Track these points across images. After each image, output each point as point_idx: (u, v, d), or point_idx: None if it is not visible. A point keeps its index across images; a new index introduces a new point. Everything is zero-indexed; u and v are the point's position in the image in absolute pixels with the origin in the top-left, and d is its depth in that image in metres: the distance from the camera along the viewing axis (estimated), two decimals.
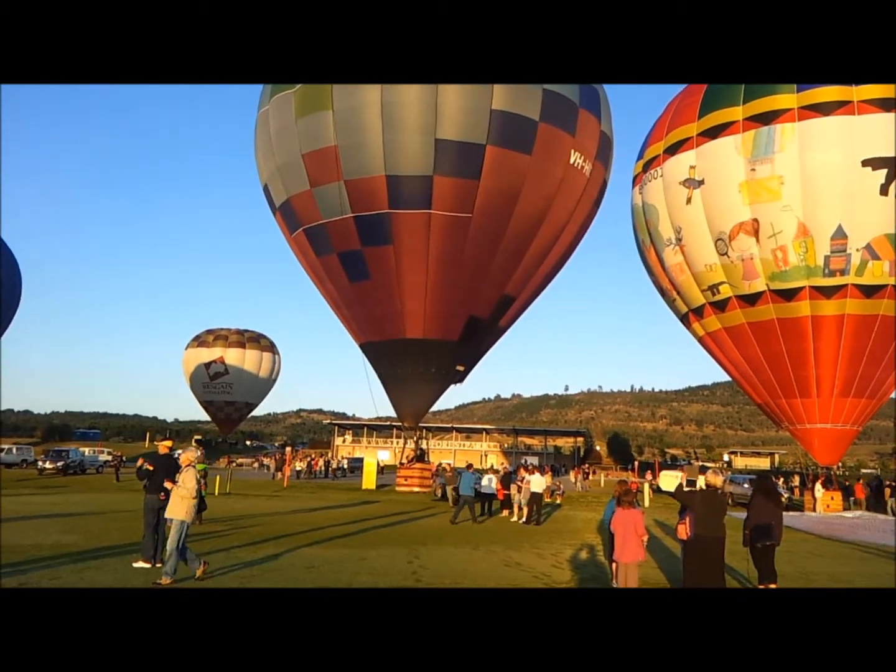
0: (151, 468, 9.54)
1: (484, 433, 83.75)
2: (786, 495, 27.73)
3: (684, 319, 27.94)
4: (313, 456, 53.82)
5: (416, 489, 29.22)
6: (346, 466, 51.56)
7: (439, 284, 24.84)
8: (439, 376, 27.55)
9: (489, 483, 19.68)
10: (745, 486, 28.08)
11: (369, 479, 32.30)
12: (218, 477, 25.25)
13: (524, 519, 18.58)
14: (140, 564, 9.07)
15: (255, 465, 59.40)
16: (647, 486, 30.22)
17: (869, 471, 78.82)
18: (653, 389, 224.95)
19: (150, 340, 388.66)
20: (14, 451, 42.81)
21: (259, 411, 76.07)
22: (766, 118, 22.91)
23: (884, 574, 11.14)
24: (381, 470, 41.10)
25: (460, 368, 28.03)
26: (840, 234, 22.42)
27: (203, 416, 67.47)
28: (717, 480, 8.45)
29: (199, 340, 60.65)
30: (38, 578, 8.17)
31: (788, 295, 23.45)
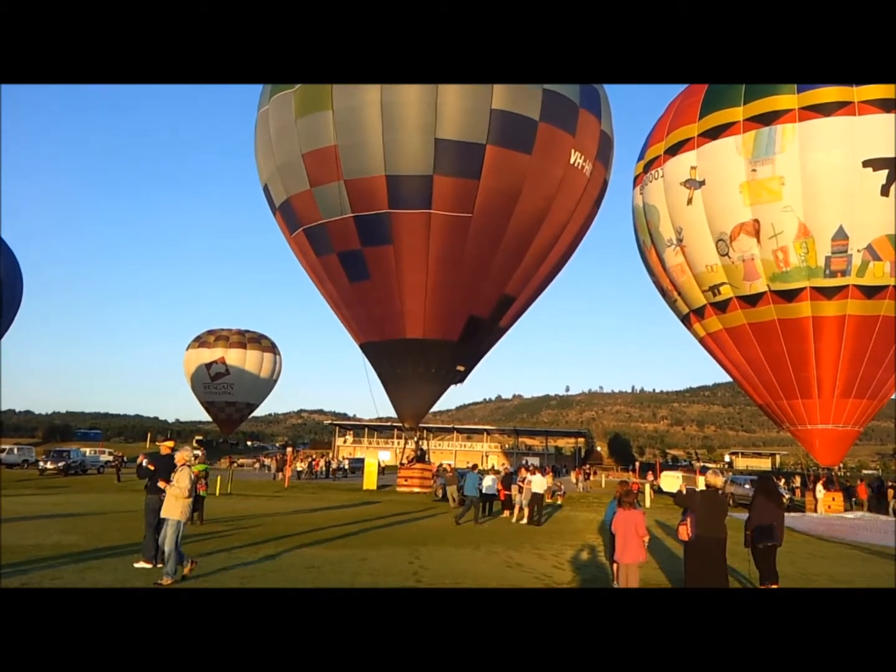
0: (153, 468, 9.54)
1: (485, 434, 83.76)
2: (787, 496, 27.68)
3: (685, 320, 27.93)
4: (314, 456, 53.82)
5: (417, 490, 29.21)
6: (346, 467, 51.58)
7: (439, 284, 24.84)
8: (439, 376, 27.54)
9: (492, 483, 19.70)
10: (747, 486, 28.06)
11: (370, 480, 32.32)
12: (219, 477, 25.25)
13: (525, 519, 18.60)
14: (141, 565, 9.07)
15: (256, 465, 59.42)
16: (648, 486, 30.20)
17: (870, 472, 78.76)
18: (654, 390, 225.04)
19: (150, 341, 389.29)
20: (15, 451, 42.86)
21: (260, 412, 76.11)
22: (767, 119, 22.90)
23: (884, 574, 11.12)
24: (382, 470, 41.14)
25: (460, 368, 28.01)
26: (841, 235, 22.40)
27: (204, 416, 67.50)
28: (717, 481, 8.46)
29: (201, 341, 60.67)
30: (39, 578, 8.17)
31: (789, 296, 23.44)
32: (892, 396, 26.41)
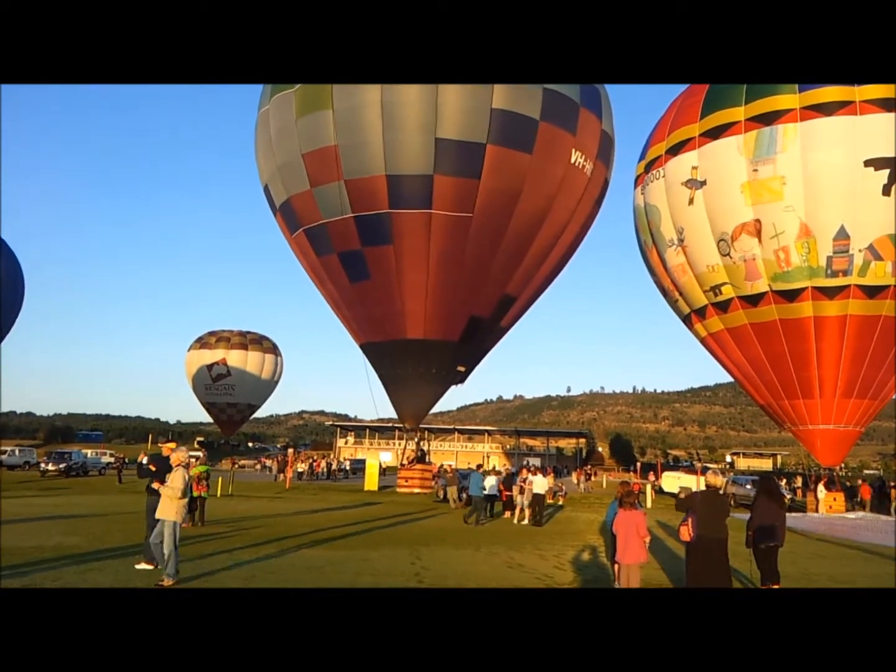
0: (154, 468, 9.54)
1: (486, 434, 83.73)
2: (788, 496, 27.65)
3: (686, 320, 27.91)
4: (315, 458, 53.83)
5: (417, 490, 29.21)
6: (347, 468, 51.59)
7: (440, 284, 24.81)
8: (440, 377, 27.51)
9: (494, 484, 19.72)
10: (748, 487, 28.03)
11: (371, 481, 32.33)
12: (220, 478, 25.26)
13: (526, 520, 18.61)
14: (142, 566, 9.08)
15: (257, 466, 59.45)
16: (649, 487, 30.17)
17: (871, 472, 78.64)
18: (655, 390, 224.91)
19: (151, 342, 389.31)
20: (17, 452, 42.95)
21: (261, 413, 76.11)
22: (768, 118, 22.89)
23: (885, 575, 11.10)
24: (384, 471, 41.15)
25: (461, 369, 27.98)
26: (842, 235, 22.38)
27: (205, 417, 67.54)
28: (717, 480, 8.44)
29: (202, 342, 60.71)
30: (40, 580, 8.18)
31: (791, 296, 23.42)
32: (894, 396, 26.38)
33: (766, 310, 24.01)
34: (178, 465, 8.60)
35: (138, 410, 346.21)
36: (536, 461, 64.57)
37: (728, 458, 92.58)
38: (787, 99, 22.64)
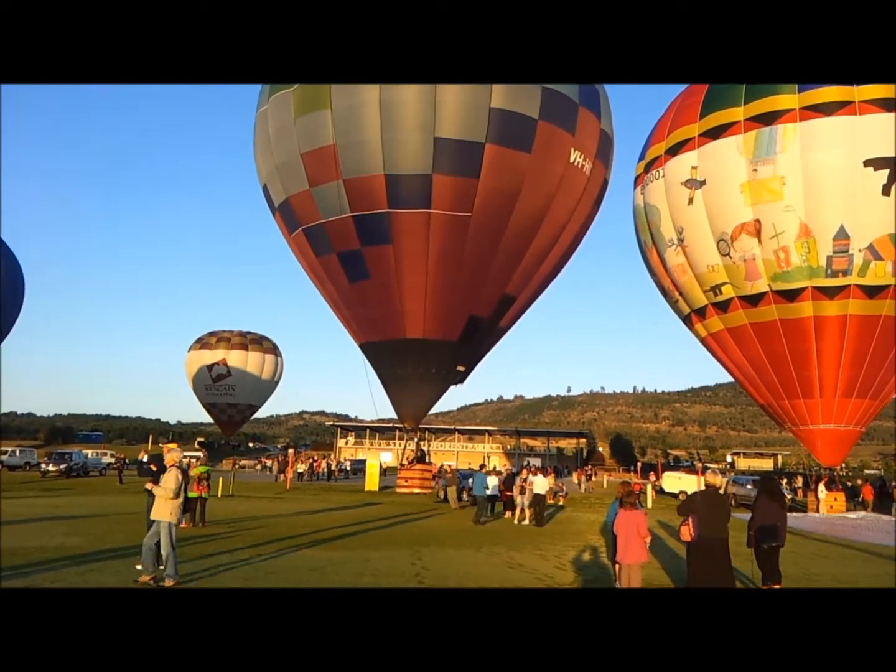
0: (155, 468, 9.54)
1: (486, 435, 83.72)
2: (789, 496, 27.63)
3: (687, 320, 27.92)
4: (315, 458, 53.84)
5: (417, 490, 29.21)
6: (348, 468, 51.60)
7: (439, 284, 24.79)
8: (440, 377, 27.49)
9: (495, 484, 19.74)
10: (749, 487, 28.02)
11: (372, 481, 32.32)
12: (221, 479, 25.26)
13: (526, 520, 18.62)
14: (140, 567, 9.07)
15: (258, 467, 59.47)
16: (649, 487, 30.16)
17: (872, 472, 78.61)
18: (655, 390, 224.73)
19: (152, 342, 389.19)
20: (17, 453, 42.98)
21: (262, 413, 76.09)
22: (768, 119, 22.90)
23: (886, 575, 11.10)
24: (384, 472, 41.14)
25: (461, 369, 27.96)
26: (842, 235, 22.39)
27: (206, 418, 67.51)
28: (717, 480, 8.44)
29: (202, 342, 60.72)
30: (41, 581, 8.18)
31: (791, 295, 23.42)
32: (894, 396, 26.38)
33: (766, 310, 24.02)
34: (172, 465, 8.57)
35: (139, 411, 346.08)
36: (537, 461, 64.56)
37: (728, 458, 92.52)
38: (787, 99, 22.64)
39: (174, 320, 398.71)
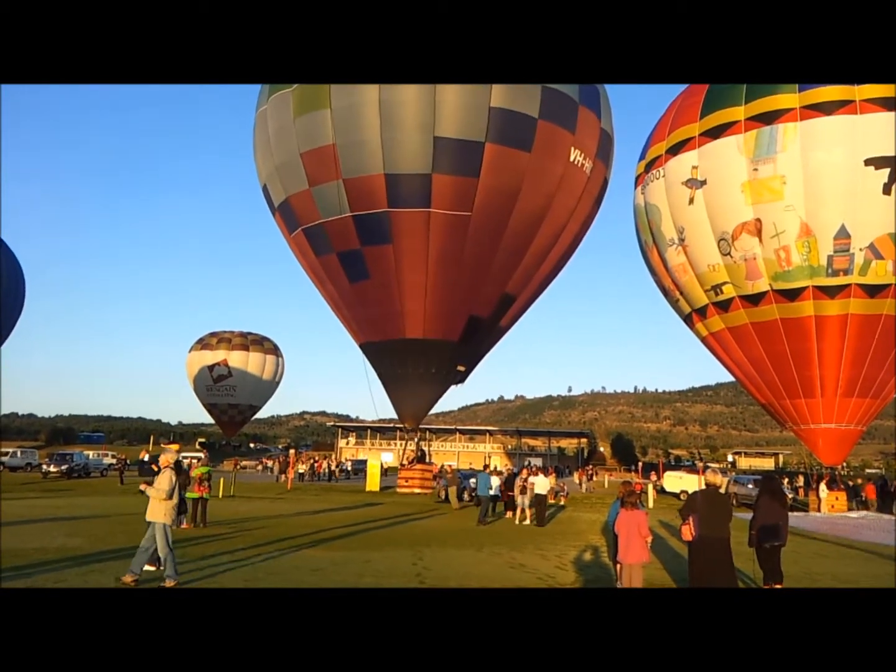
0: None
1: (487, 435, 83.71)
2: (790, 496, 27.60)
3: (687, 320, 27.90)
4: (316, 458, 53.85)
5: (418, 490, 29.21)
6: (349, 468, 51.60)
7: (439, 284, 24.76)
8: (440, 377, 27.46)
9: (497, 484, 19.74)
10: (750, 486, 28.01)
11: (373, 482, 32.31)
12: (222, 479, 25.27)
13: (527, 520, 18.62)
14: (146, 567, 9.07)
15: (259, 467, 59.48)
16: (651, 487, 30.15)
17: (873, 471, 78.54)
18: (656, 390, 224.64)
19: (153, 343, 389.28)
20: (18, 454, 42.99)
21: (263, 414, 76.07)
22: (768, 118, 22.88)
23: (887, 574, 11.09)
24: (385, 472, 41.14)
25: (461, 369, 27.93)
26: (843, 234, 22.37)
27: (207, 418, 67.51)
28: (717, 479, 8.43)
29: (203, 343, 60.73)
30: (43, 581, 8.19)
31: (792, 295, 23.41)
32: (895, 395, 26.35)
33: (766, 309, 24.00)
34: (166, 466, 8.55)
35: (140, 412, 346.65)
36: (538, 461, 64.51)
37: (730, 458, 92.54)
38: (787, 98, 22.63)
39: (175, 321, 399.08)
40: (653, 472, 43.28)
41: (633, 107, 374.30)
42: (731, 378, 29.87)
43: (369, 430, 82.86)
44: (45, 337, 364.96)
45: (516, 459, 70.40)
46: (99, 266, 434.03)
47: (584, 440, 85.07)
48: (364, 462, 47.29)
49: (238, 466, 53.35)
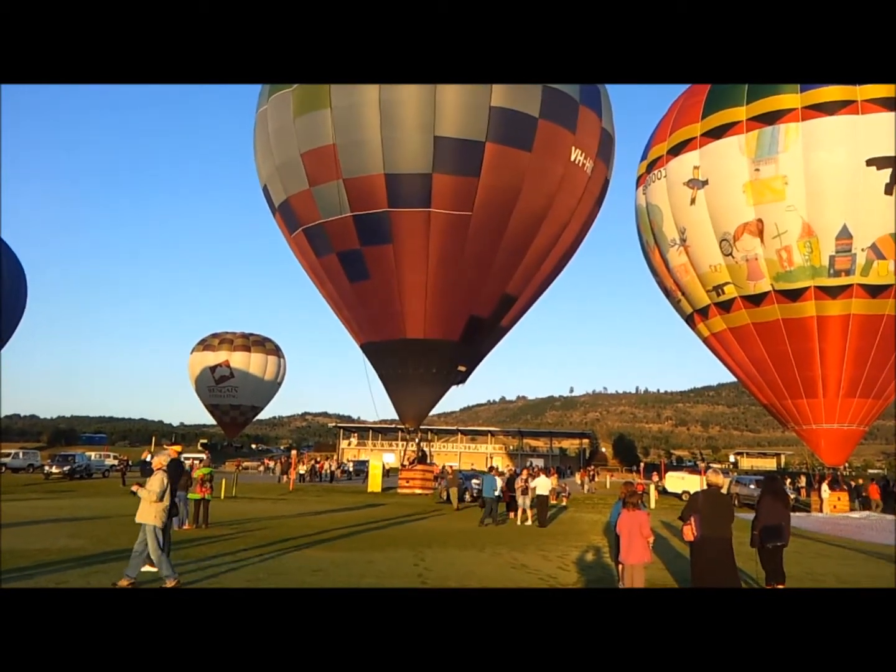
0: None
1: (489, 435, 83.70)
2: (792, 496, 27.55)
3: (689, 320, 27.88)
4: (318, 459, 53.89)
5: (419, 491, 29.20)
6: (350, 469, 51.63)
7: (440, 283, 24.71)
8: (440, 377, 27.41)
9: (500, 485, 19.74)
10: (752, 487, 27.98)
11: (375, 482, 32.31)
12: (224, 480, 25.28)
13: (529, 521, 18.62)
14: (147, 568, 9.07)
15: (261, 468, 59.52)
16: (652, 487, 30.13)
17: (876, 471, 78.44)
18: (658, 390, 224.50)
19: (154, 344, 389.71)
20: (20, 455, 43.05)
21: (264, 415, 76.25)
22: (770, 118, 22.86)
23: (888, 574, 11.08)
24: (387, 473, 41.14)
25: (462, 369, 27.87)
26: (845, 234, 22.34)
27: (209, 419, 67.60)
28: (719, 479, 8.42)
29: (205, 344, 60.81)
30: (45, 582, 8.19)
31: (793, 295, 23.39)
32: None
33: (768, 309, 23.98)
34: (159, 468, 8.54)
35: (142, 413, 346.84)
36: (540, 462, 64.53)
37: (732, 458, 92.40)
38: (789, 98, 22.61)
39: (177, 322, 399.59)
40: (654, 473, 43.30)
41: (634, 107, 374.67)
42: (732, 378, 29.83)
43: (371, 431, 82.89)
44: (46, 338, 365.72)
45: (518, 460, 70.39)
46: (100, 266, 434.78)
47: (585, 441, 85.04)
48: (365, 463, 47.33)
49: (240, 467, 53.41)
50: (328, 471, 45.72)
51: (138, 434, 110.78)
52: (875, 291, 22.66)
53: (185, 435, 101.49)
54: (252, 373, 59.45)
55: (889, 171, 21.81)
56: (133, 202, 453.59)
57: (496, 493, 18.92)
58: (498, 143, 22.91)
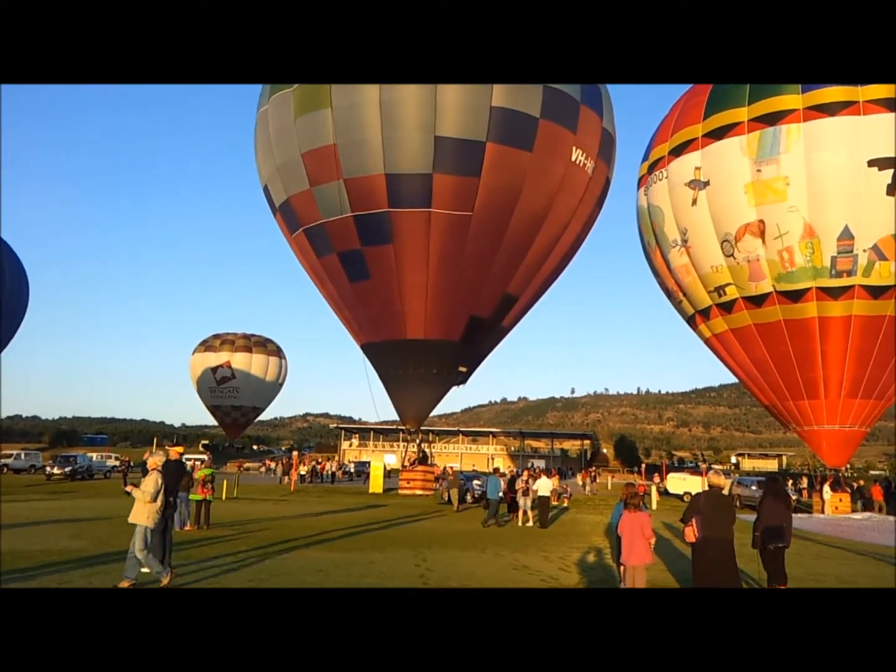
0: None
1: (490, 436, 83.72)
2: (794, 497, 27.52)
3: (691, 321, 27.86)
4: (320, 460, 53.92)
5: (419, 492, 29.19)
6: (352, 470, 51.65)
7: (440, 284, 24.68)
8: (441, 377, 27.38)
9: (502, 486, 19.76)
10: (753, 488, 27.94)
11: (376, 483, 32.32)
12: (225, 481, 25.30)
13: (530, 521, 18.62)
14: (147, 569, 9.07)
15: (262, 469, 59.58)
16: (654, 488, 30.11)
17: (877, 472, 78.33)
18: (659, 391, 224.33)
19: (156, 345, 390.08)
20: (22, 456, 43.11)
21: (266, 415, 76.32)
22: (772, 119, 22.85)
23: (889, 575, 11.07)
24: (388, 473, 41.14)
25: (462, 369, 27.84)
26: (846, 235, 22.32)
27: (210, 420, 67.68)
28: (720, 480, 8.41)
29: (206, 345, 60.88)
30: (47, 583, 8.20)
31: (795, 296, 23.37)
32: None
33: (770, 310, 23.96)
34: (154, 469, 8.54)
35: (143, 414, 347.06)
36: (541, 463, 64.54)
37: (733, 459, 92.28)
38: (791, 99, 22.60)
39: (178, 323, 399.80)
40: (656, 474, 43.27)
41: (635, 107, 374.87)
42: (734, 379, 29.82)
43: (372, 432, 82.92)
44: (47, 339, 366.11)
45: (519, 461, 70.41)
46: (100, 266, 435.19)
47: (587, 442, 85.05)
48: (366, 464, 47.35)
49: (241, 468, 53.48)
50: (329, 472, 45.75)
51: (140, 435, 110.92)
52: (877, 292, 22.64)
53: (187, 436, 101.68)
54: (253, 374, 59.51)
55: (891, 171, 21.80)
56: (133, 202, 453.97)
57: (500, 495, 18.93)
58: (499, 143, 22.90)
